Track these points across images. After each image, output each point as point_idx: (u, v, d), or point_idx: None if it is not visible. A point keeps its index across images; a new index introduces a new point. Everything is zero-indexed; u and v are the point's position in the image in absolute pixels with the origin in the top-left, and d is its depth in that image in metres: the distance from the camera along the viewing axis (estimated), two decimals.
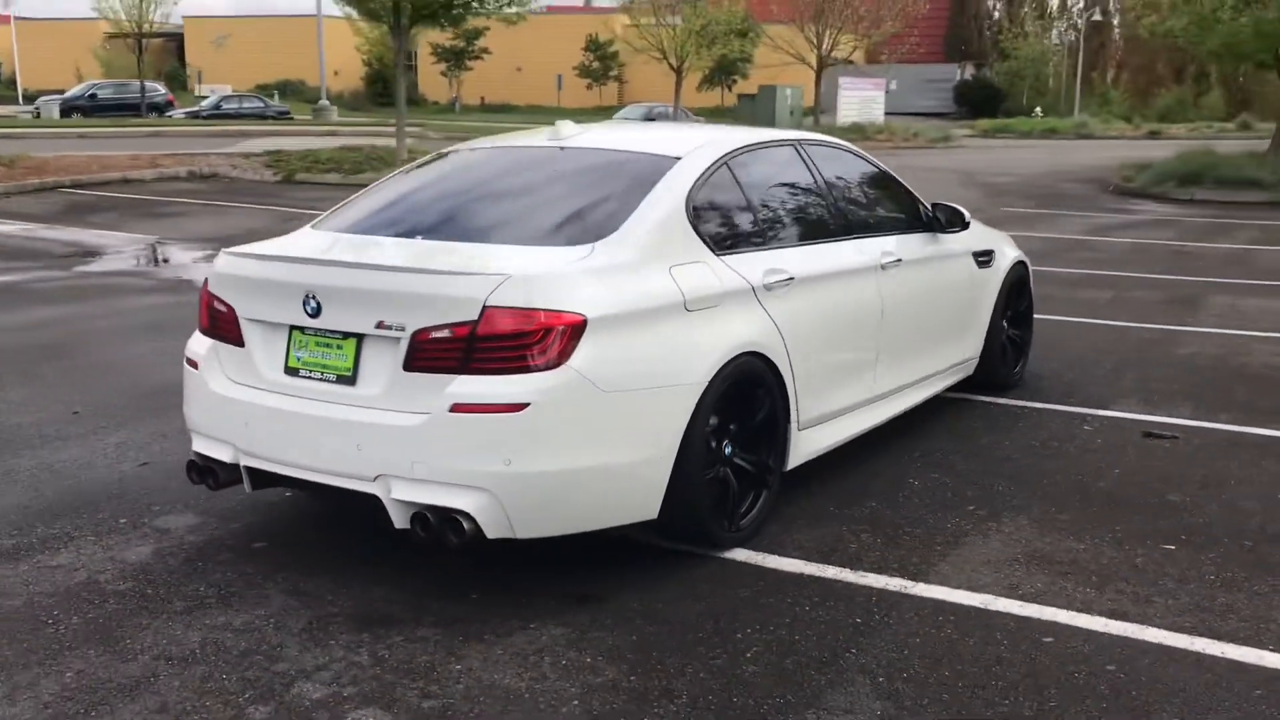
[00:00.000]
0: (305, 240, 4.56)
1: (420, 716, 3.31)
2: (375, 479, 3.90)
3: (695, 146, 4.83)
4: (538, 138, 5.25)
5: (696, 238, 4.44)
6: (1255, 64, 23.97)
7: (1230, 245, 14.26)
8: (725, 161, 4.81)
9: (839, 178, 5.57)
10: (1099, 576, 4.28)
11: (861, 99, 39.96)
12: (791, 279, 4.68)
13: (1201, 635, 3.81)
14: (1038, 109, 54.84)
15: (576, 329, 3.82)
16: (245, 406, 4.22)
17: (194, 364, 4.46)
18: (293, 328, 4.17)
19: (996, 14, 74.83)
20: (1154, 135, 43.66)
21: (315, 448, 4.06)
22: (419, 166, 5.30)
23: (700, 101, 57.36)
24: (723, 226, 4.68)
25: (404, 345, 3.90)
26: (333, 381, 4.07)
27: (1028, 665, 3.60)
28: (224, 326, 4.35)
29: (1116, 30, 66.80)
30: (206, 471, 4.37)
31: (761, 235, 4.85)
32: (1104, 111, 55.64)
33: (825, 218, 5.29)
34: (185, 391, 4.57)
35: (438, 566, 4.28)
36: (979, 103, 63.83)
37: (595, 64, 69.05)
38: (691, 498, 4.16)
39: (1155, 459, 5.67)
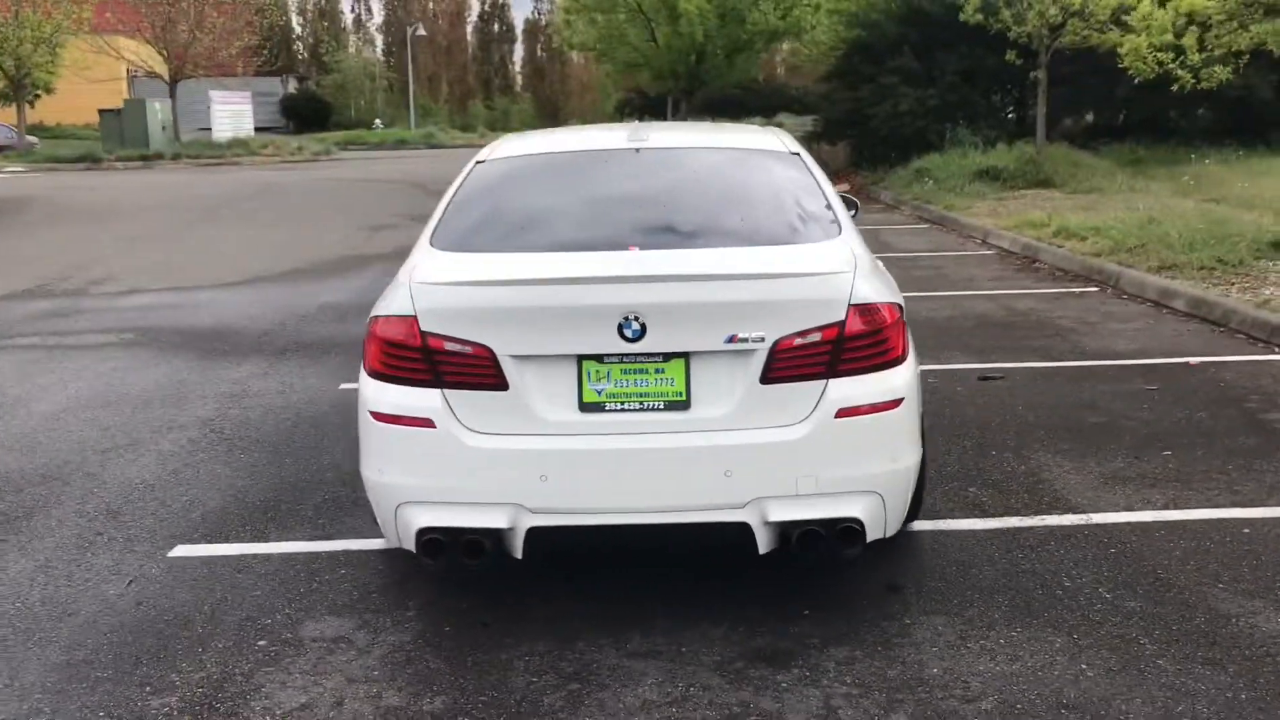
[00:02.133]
0: (518, 265, 3.95)
1: None
2: (746, 505, 3.64)
3: (792, 142, 4.94)
4: (613, 139, 4.95)
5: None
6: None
7: None
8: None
9: None
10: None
11: (232, 112, 38.34)
12: None
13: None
14: (378, 121, 56.36)
15: (901, 320, 3.88)
16: (535, 458, 3.64)
17: (420, 422, 3.70)
18: (582, 358, 3.68)
19: (300, 28, 75.17)
20: None
21: (658, 486, 3.65)
22: (484, 180, 4.69)
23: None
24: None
25: (761, 357, 3.66)
26: (659, 409, 3.68)
27: None
28: (468, 372, 3.68)
29: (442, 41, 70.30)
30: (470, 546, 3.68)
31: None
32: (425, 121, 58.60)
33: None
34: (400, 459, 3.76)
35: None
36: (307, 116, 63.81)
37: None
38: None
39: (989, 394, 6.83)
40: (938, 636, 3.71)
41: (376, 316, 3.87)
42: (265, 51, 50.91)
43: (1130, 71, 11.83)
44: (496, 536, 3.67)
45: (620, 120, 51.50)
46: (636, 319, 3.61)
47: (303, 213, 19.06)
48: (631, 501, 3.64)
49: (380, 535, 4.43)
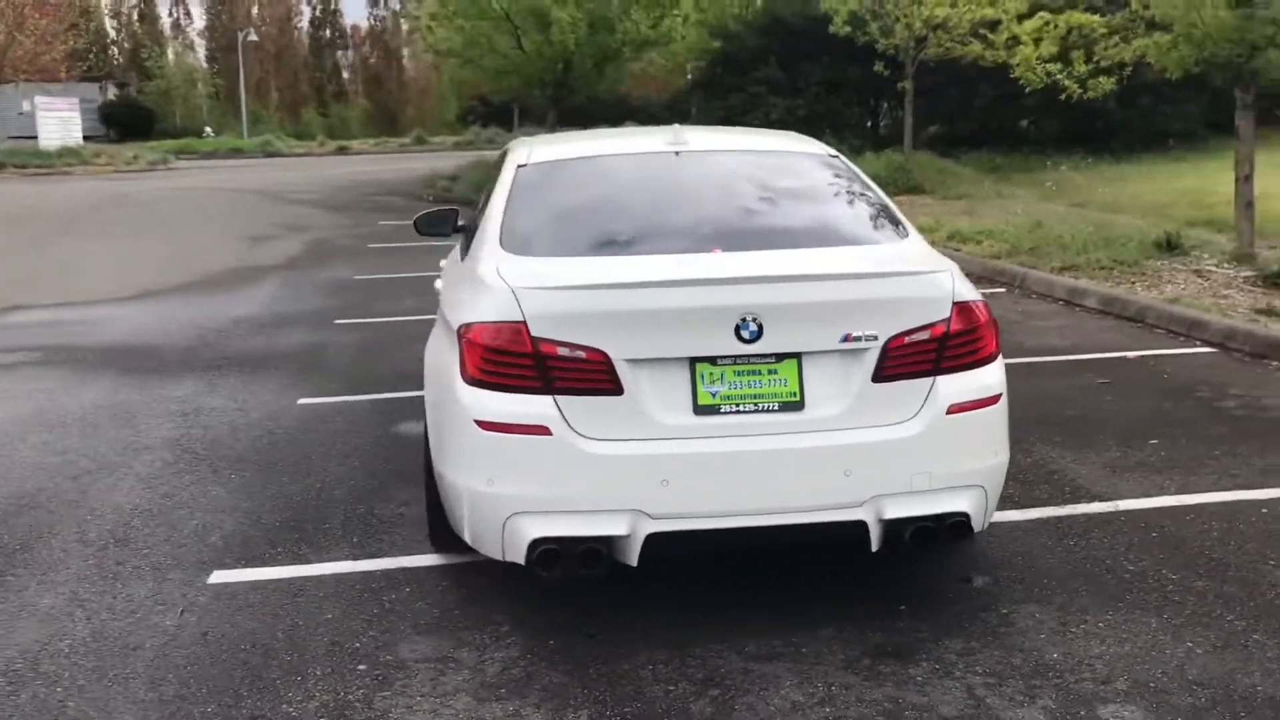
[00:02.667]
0: (618, 268, 3.89)
1: None
2: (863, 503, 3.68)
3: (823, 145, 5.01)
4: (651, 143, 4.91)
5: None
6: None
7: None
8: None
9: None
10: None
11: (60, 119, 36.23)
12: None
13: None
14: (208, 129, 54.21)
15: (992, 318, 3.99)
16: (656, 462, 3.60)
17: (535, 430, 3.61)
18: (695, 360, 3.66)
19: (115, 31, 71.72)
20: (343, 151, 45.95)
21: (777, 487, 3.65)
22: (534, 184, 4.59)
23: None
24: None
25: (873, 356, 3.71)
26: (773, 411, 3.68)
27: None
28: (582, 377, 3.61)
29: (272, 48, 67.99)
30: (587, 556, 3.61)
31: None
32: (257, 129, 56.73)
33: None
34: (513, 468, 3.65)
35: None
36: (129, 124, 60.91)
37: None
38: None
39: None
40: (1040, 624, 3.83)
41: (472, 323, 3.75)
42: (91, 56, 48.28)
43: (1021, 81, 12.40)
44: (613, 544, 3.61)
45: (465, 128, 50.76)
46: (754, 320, 3.61)
47: (169, 224, 18.22)
48: (750, 504, 3.64)
49: (439, 550, 4.35)
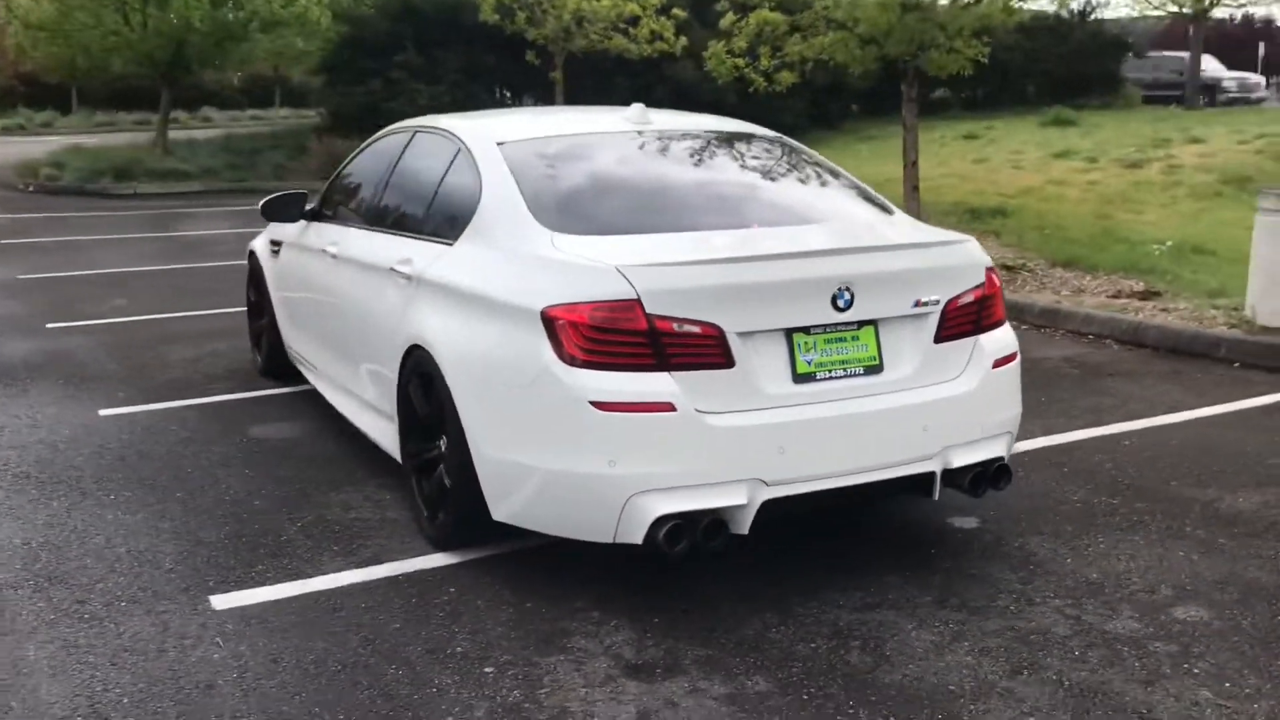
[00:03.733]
0: (703, 242, 3.90)
1: None
2: (934, 456, 3.97)
3: (763, 128, 5.23)
4: (612, 123, 4.87)
5: None
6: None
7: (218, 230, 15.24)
8: None
9: None
10: None
11: None
12: None
13: None
14: None
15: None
16: (772, 431, 3.69)
17: (660, 407, 3.57)
18: (790, 330, 3.78)
19: None
20: None
21: (871, 446, 3.85)
22: (530, 163, 4.44)
23: None
24: None
25: (934, 319, 4.00)
26: (859, 375, 3.88)
27: None
28: (697, 351, 3.63)
29: None
30: (709, 532, 3.63)
31: None
32: None
33: None
34: (636, 447, 3.57)
35: None
36: None
37: None
38: None
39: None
40: (1056, 553, 4.30)
41: (571, 303, 3.64)
42: None
43: (713, 74, 13.15)
44: (732, 515, 3.68)
45: (7, 111, 45.07)
46: (848, 289, 3.80)
47: None
48: (850, 464, 3.83)
49: (447, 549, 4.12)
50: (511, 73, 22.02)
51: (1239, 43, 42.32)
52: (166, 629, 3.76)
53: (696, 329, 3.62)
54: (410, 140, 5.32)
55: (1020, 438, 5.51)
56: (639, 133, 4.80)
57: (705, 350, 3.64)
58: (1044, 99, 26.54)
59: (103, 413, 6.34)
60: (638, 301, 3.58)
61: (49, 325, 8.82)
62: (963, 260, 4.14)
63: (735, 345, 3.67)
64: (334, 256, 5.42)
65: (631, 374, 3.60)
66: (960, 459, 4.01)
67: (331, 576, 4.16)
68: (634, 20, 19.13)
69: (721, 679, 3.40)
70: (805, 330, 3.80)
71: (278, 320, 6.64)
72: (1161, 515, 4.67)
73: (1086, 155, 17.12)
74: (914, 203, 12.32)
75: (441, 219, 4.61)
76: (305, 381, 6.45)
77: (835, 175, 4.84)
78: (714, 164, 4.75)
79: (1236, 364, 7.18)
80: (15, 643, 3.66)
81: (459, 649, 3.61)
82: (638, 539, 3.63)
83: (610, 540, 3.70)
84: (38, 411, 6.36)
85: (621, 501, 3.60)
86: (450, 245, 4.41)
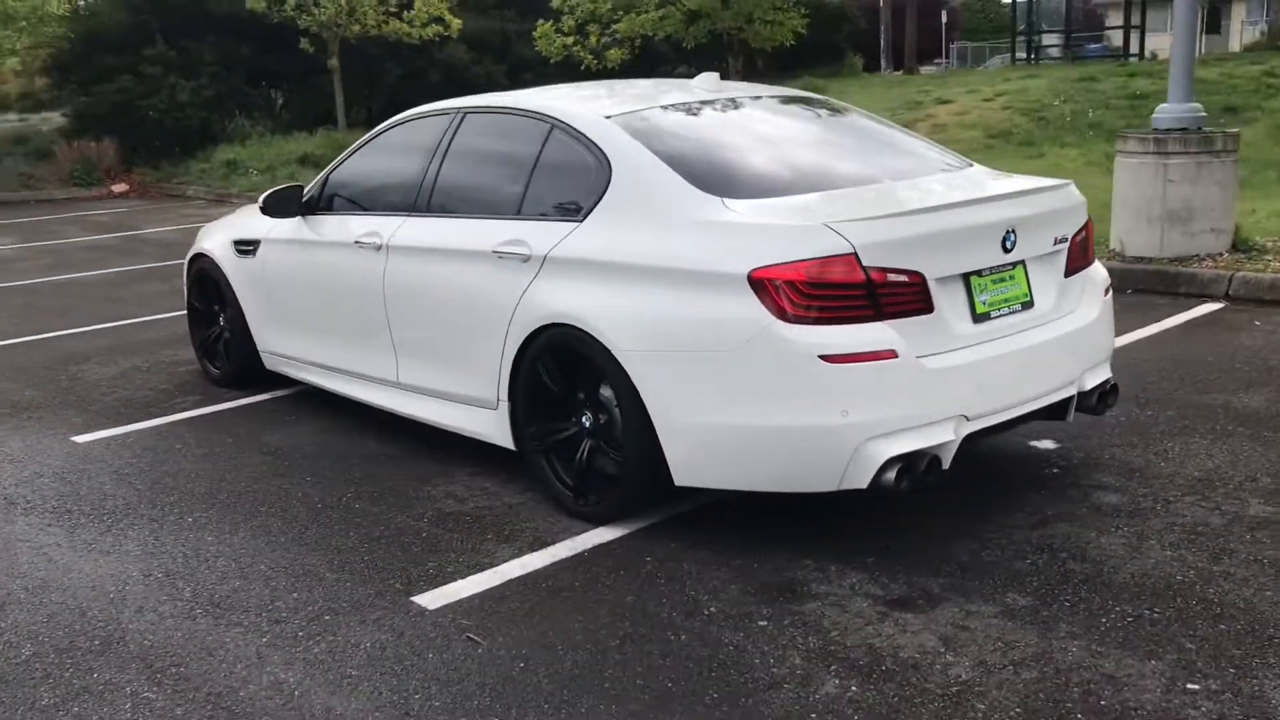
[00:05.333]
0: (859, 196, 4.11)
1: None
2: (1075, 380, 4.35)
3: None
4: (698, 92, 4.98)
5: None
6: None
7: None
8: None
9: None
10: None
11: None
12: None
13: None
14: None
15: None
16: (972, 369, 3.95)
17: (885, 355, 3.75)
18: (967, 275, 4.06)
19: None
20: None
21: (1041, 375, 4.18)
22: (659, 134, 4.48)
23: None
24: None
25: (1063, 255, 4.37)
26: (1019, 311, 4.19)
27: None
28: (905, 299, 3.85)
29: None
30: (928, 469, 3.86)
31: None
32: None
33: None
34: (867, 395, 3.74)
35: None
36: None
37: None
38: None
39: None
40: (1151, 462, 4.80)
41: (785, 262, 3.76)
42: None
43: (544, 53, 13.16)
44: (944, 450, 3.93)
45: None
46: (1014, 231, 4.11)
47: None
48: (1026, 392, 4.15)
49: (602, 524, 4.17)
50: (268, 62, 21.08)
51: (923, 11, 45.90)
52: (400, 635, 3.62)
53: (905, 278, 3.83)
54: (459, 123, 5.20)
55: None
56: (732, 100, 4.94)
57: (913, 298, 3.86)
58: (774, 71, 27.95)
59: (76, 439, 5.84)
60: (854, 255, 3.75)
61: None
62: (1075, 201, 4.53)
63: (935, 291, 3.91)
64: (378, 247, 5.23)
65: (855, 326, 3.77)
66: (1091, 380, 4.42)
67: (517, 563, 4.11)
68: (409, 3, 18.80)
69: (982, 599, 3.65)
70: (979, 273, 4.08)
71: (249, 324, 6.30)
72: (1199, 419, 5.27)
73: None
74: None
75: (551, 198, 4.58)
76: (277, 386, 6.19)
77: (909, 133, 5.16)
78: (817, 124, 5.01)
79: (1129, 291, 8.03)
80: (256, 667, 3.44)
81: (712, 609, 3.68)
82: (863, 483, 3.81)
83: (834, 488, 3.86)
84: (2, 445, 5.78)
85: (852, 448, 3.77)
86: (579, 223, 4.39)
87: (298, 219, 5.83)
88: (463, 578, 4.01)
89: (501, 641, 3.55)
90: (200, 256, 6.68)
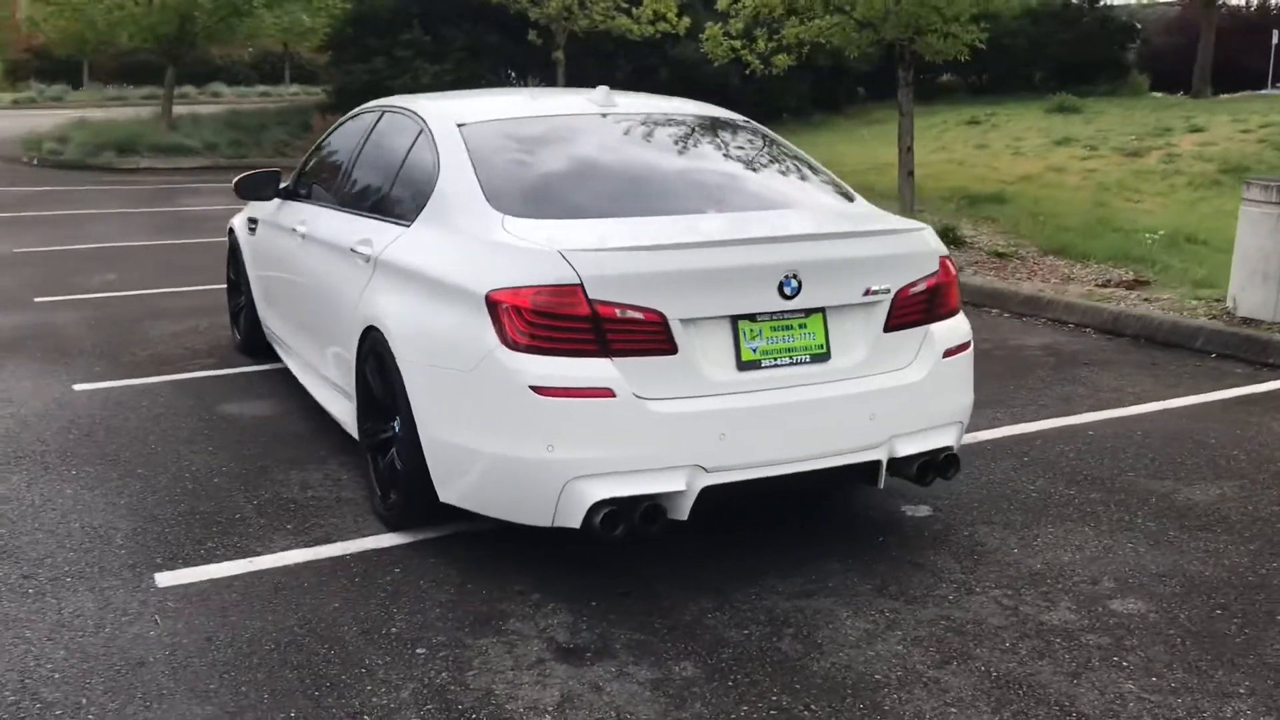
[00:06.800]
0: (651, 227, 3.90)
1: None
2: (881, 444, 3.97)
3: (734, 113, 5.22)
4: (576, 105, 4.88)
5: None
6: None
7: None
8: None
9: None
10: None
11: None
12: None
13: None
14: None
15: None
16: (713, 418, 3.69)
17: (599, 393, 3.58)
18: (736, 318, 3.78)
19: None
20: None
21: (816, 434, 3.85)
22: (489, 144, 4.44)
23: None
24: None
25: (884, 307, 3.99)
26: (806, 363, 3.87)
27: None
28: (639, 338, 3.63)
29: None
30: (647, 517, 3.64)
31: None
32: None
33: None
34: (575, 432, 3.58)
35: None
36: None
37: None
38: None
39: None
40: (1005, 543, 4.30)
41: (515, 287, 3.64)
42: None
43: (709, 56, 13.11)
44: (671, 501, 3.68)
45: (19, 84, 45.12)
46: (795, 276, 3.79)
47: None
48: (793, 451, 3.83)
49: (398, 529, 4.13)
50: (515, 53, 21.95)
51: (1252, 29, 41.96)
52: (107, 605, 3.78)
53: (639, 315, 3.62)
54: (378, 120, 5.32)
55: (986, 426, 5.56)
56: (603, 116, 4.80)
57: (648, 337, 3.64)
58: (1050, 85, 26.36)
59: (76, 387, 6.38)
60: (580, 286, 3.58)
61: (37, 299, 8.89)
62: (915, 248, 4.12)
63: (678, 332, 3.66)
64: (303, 236, 5.43)
65: (572, 359, 3.60)
66: (907, 448, 4.01)
67: (279, 555, 4.19)
68: (636, 0, 19.07)
69: (650, 664, 3.42)
70: (751, 318, 3.79)
71: (254, 297, 6.67)
72: (1115, 507, 4.66)
73: (1087, 143, 17.04)
74: (908, 188, 12.26)
75: (402, 200, 4.62)
76: (280, 359, 6.48)
77: (800, 162, 4.82)
78: (674, 149, 4.74)
79: (1213, 355, 7.16)
80: None
81: (394, 629, 3.63)
82: (575, 523, 3.65)
83: (549, 524, 3.71)
84: (12, 386, 6.40)
85: (559, 486, 3.61)
86: (408, 227, 4.42)
87: (277, 202, 6.13)
88: (217, 562, 4.13)
89: (179, 628, 3.64)
90: (231, 231, 7.14)
